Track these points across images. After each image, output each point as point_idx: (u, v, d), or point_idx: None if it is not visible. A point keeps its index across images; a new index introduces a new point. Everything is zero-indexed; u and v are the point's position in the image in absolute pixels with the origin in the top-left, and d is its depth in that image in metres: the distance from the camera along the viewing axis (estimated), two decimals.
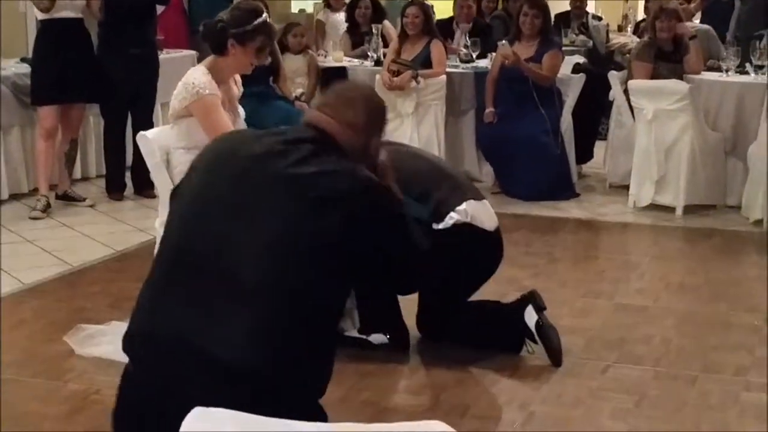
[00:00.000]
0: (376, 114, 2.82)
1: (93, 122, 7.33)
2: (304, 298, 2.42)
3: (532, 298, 4.09)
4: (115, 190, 6.93)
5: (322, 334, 2.51)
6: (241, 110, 4.44)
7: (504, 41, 7.20)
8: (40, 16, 6.44)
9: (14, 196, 6.77)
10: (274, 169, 2.52)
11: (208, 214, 2.53)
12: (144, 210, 6.64)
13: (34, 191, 6.73)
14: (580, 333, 4.36)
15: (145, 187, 6.88)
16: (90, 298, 4.80)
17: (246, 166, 2.55)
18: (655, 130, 6.64)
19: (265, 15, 4.16)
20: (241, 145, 2.67)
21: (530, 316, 4.04)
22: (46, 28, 6.46)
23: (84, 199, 6.71)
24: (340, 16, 9.83)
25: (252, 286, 2.40)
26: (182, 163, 4.17)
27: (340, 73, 7.61)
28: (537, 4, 7.20)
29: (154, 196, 6.82)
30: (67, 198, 6.71)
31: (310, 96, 7.81)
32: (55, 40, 6.43)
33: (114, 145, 6.92)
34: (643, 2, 11.44)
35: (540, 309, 4.04)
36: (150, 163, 4.26)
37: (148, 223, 6.18)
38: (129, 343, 2.55)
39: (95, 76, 6.59)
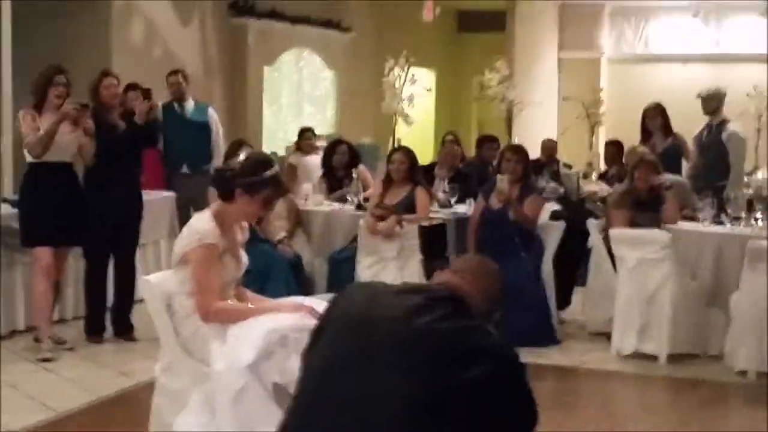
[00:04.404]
0: (503, 295, 2.95)
1: (71, 264, 7.19)
2: None
3: None
4: (95, 332, 6.75)
5: None
6: (244, 256, 4.40)
7: (502, 176, 7.18)
8: (30, 159, 6.33)
9: None
10: (420, 322, 2.61)
11: (350, 365, 2.61)
12: (125, 353, 6.51)
13: (12, 334, 6.57)
14: None
15: (125, 330, 6.80)
16: None
17: (393, 317, 2.64)
18: (638, 278, 6.71)
19: (276, 168, 4.19)
20: (381, 298, 2.74)
21: None
22: (35, 170, 6.34)
23: (65, 342, 6.53)
24: (313, 159, 9.95)
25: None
26: (184, 308, 4.12)
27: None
28: (519, 150, 7.36)
29: (134, 339, 6.75)
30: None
31: (290, 239, 7.84)
32: (46, 183, 6.33)
33: (96, 287, 6.77)
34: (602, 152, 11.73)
35: None
36: (152, 308, 4.20)
37: (130, 367, 6.10)
38: None
39: (84, 219, 6.50)
